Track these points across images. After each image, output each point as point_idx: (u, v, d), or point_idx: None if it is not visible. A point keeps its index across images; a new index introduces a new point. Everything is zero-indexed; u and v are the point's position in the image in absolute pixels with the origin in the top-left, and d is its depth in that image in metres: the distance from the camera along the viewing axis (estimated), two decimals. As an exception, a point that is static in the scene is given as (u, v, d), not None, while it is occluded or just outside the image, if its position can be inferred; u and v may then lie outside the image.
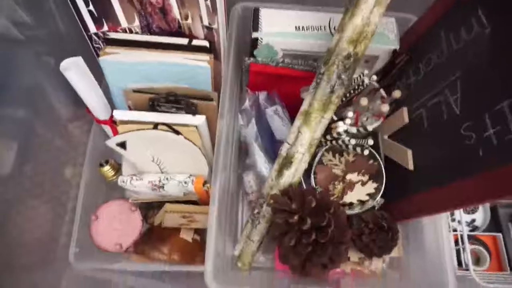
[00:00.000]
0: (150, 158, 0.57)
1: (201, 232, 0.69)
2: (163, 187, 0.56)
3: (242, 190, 0.79)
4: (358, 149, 0.64)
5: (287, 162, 0.63)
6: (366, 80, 0.59)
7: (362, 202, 0.69)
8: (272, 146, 0.75)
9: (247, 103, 0.72)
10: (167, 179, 0.56)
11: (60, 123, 0.73)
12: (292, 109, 0.75)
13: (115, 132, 0.69)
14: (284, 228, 0.55)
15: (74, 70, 0.57)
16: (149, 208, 0.68)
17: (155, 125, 0.56)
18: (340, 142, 0.60)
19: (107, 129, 0.70)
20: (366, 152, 0.62)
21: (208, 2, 0.60)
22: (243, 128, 0.73)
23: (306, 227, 0.52)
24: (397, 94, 0.63)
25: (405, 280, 0.67)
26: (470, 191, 0.48)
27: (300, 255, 0.55)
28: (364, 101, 0.63)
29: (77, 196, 0.72)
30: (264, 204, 0.67)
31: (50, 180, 0.76)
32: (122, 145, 0.56)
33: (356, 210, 0.67)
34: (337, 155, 0.70)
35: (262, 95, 0.76)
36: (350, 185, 0.69)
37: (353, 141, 0.56)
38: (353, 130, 0.63)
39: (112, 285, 0.61)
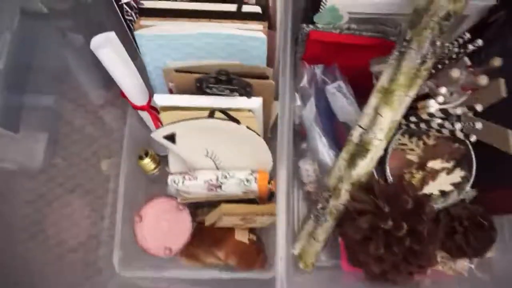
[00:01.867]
0: (203, 152, 0.48)
1: (256, 231, 0.61)
2: (220, 186, 0.48)
3: (297, 179, 0.69)
4: (446, 131, 0.52)
5: (362, 150, 0.53)
6: (471, 46, 0.47)
7: (444, 194, 0.58)
8: (333, 129, 0.64)
9: (305, 80, 0.61)
10: (225, 177, 0.47)
11: (91, 109, 0.65)
12: (355, 85, 0.64)
13: (155, 120, 0.60)
14: (367, 232, 0.46)
15: (106, 48, 0.47)
16: (197, 206, 0.60)
17: (211, 113, 0.46)
18: (431, 125, 0.49)
19: (145, 115, 0.62)
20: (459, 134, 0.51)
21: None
22: (300, 108, 0.63)
23: (401, 234, 0.42)
24: (497, 62, 0.51)
25: (497, 283, 0.58)
26: None
27: (385, 263, 0.46)
28: (455, 73, 0.51)
29: (114, 189, 0.65)
30: (330, 198, 0.57)
31: (84, 173, 0.69)
32: (171, 137, 0.47)
33: (439, 203, 0.57)
34: (414, 138, 0.59)
35: (318, 69, 0.64)
36: (433, 174, 0.58)
37: (458, 125, 0.45)
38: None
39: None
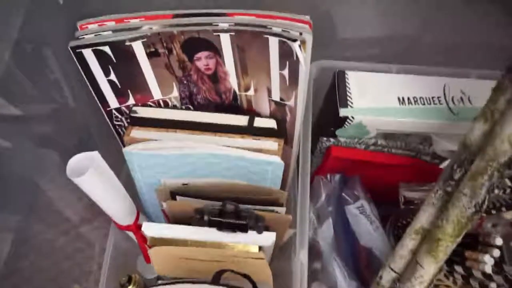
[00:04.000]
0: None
1: None
2: None
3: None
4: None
5: (395, 301, 0.43)
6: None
7: None
8: (353, 252, 0.55)
9: (323, 199, 0.52)
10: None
11: (67, 226, 0.54)
12: (377, 199, 0.55)
13: (142, 243, 0.50)
14: None
15: (87, 174, 0.38)
16: None
17: (216, 276, 0.36)
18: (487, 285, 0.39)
19: (132, 235, 0.51)
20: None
21: (286, 72, 0.41)
22: (315, 228, 0.54)
23: None
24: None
25: None
26: None
27: None
28: (510, 215, 0.42)
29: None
30: None
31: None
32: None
33: None
34: (450, 277, 0.50)
35: (335, 179, 0.56)
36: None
37: None
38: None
39: None
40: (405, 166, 0.51)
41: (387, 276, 0.45)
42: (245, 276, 0.37)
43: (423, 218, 0.42)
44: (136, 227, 0.50)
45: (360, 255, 0.54)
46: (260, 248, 0.43)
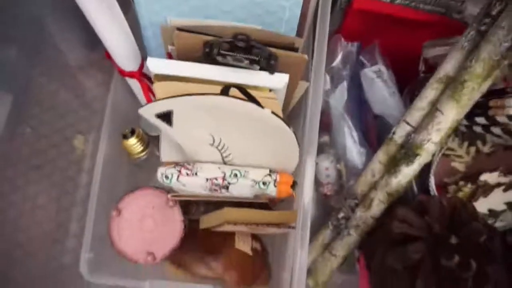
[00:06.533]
0: (208, 140, 0.35)
1: (260, 238, 0.50)
2: (227, 187, 0.36)
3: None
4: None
5: (408, 153, 0.42)
6: None
7: (494, 213, 0.48)
8: (363, 121, 0.53)
9: (339, 58, 0.49)
10: (235, 175, 0.35)
11: (68, 71, 0.51)
12: (397, 71, 0.52)
13: (146, 91, 0.48)
14: (415, 263, 0.35)
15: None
16: (192, 202, 0.48)
17: (224, 89, 0.34)
18: (510, 129, 0.38)
19: (135, 84, 0.49)
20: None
21: None
22: (328, 93, 0.51)
23: (467, 275, 0.31)
24: None
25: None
26: None
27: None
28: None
29: (90, 171, 0.53)
30: (357, 208, 0.47)
31: (54, 148, 0.57)
32: (166, 117, 0.34)
33: (487, 224, 0.47)
34: (465, 143, 0.48)
35: (354, 47, 0.52)
36: (485, 189, 0.47)
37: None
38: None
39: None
40: (432, 24, 0.47)
41: (401, 131, 0.44)
42: (249, 96, 0.34)
43: (449, 65, 0.40)
44: (140, 74, 0.47)
45: (371, 125, 0.52)
46: (271, 90, 0.40)
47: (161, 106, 0.34)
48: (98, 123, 0.49)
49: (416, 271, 0.35)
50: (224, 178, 0.36)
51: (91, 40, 0.44)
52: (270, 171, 0.36)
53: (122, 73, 0.47)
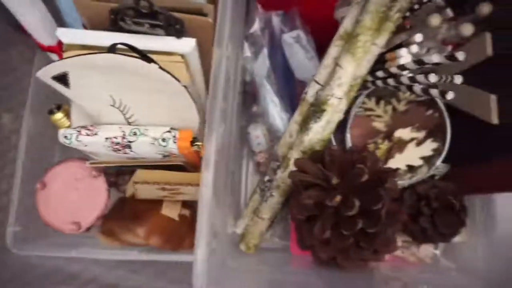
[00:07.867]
0: (108, 100, 0.36)
1: (191, 205, 0.51)
2: (129, 146, 0.37)
3: (247, 148, 0.59)
4: (418, 89, 0.42)
5: (316, 110, 0.43)
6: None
7: (412, 169, 0.50)
8: (289, 88, 0.54)
9: (256, 26, 0.50)
10: (134, 133, 0.36)
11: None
12: (318, 39, 0.53)
13: (66, 63, 0.48)
14: (314, 210, 0.36)
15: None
16: (119, 173, 0.49)
17: (112, 47, 0.35)
18: (401, 80, 0.39)
19: (57, 59, 0.49)
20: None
21: None
22: (250, 61, 0.52)
23: (351, 213, 0.33)
24: (485, 8, 0.42)
25: (463, 272, 0.50)
26: None
27: (334, 248, 0.37)
28: (435, 20, 0.41)
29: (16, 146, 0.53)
30: (279, 169, 0.48)
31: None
32: (62, 79, 0.35)
33: (405, 179, 0.48)
34: (381, 102, 0.50)
35: (276, 16, 0.53)
36: (400, 145, 0.49)
37: (433, 77, 0.35)
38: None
39: (66, 277, 0.44)
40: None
41: (312, 90, 0.45)
42: (143, 55, 0.35)
43: (348, 21, 0.41)
44: (60, 49, 0.48)
45: (295, 87, 0.53)
46: (182, 56, 0.41)
47: (55, 68, 0.35)
48: (23, 99, 0.50)
49: (316, 218, 0.37)
50: (123, 137, 0.37)
51: (6, 17, 0.44)
52: (171, 129, 0.37)
53: (42, 47, 0.48)
